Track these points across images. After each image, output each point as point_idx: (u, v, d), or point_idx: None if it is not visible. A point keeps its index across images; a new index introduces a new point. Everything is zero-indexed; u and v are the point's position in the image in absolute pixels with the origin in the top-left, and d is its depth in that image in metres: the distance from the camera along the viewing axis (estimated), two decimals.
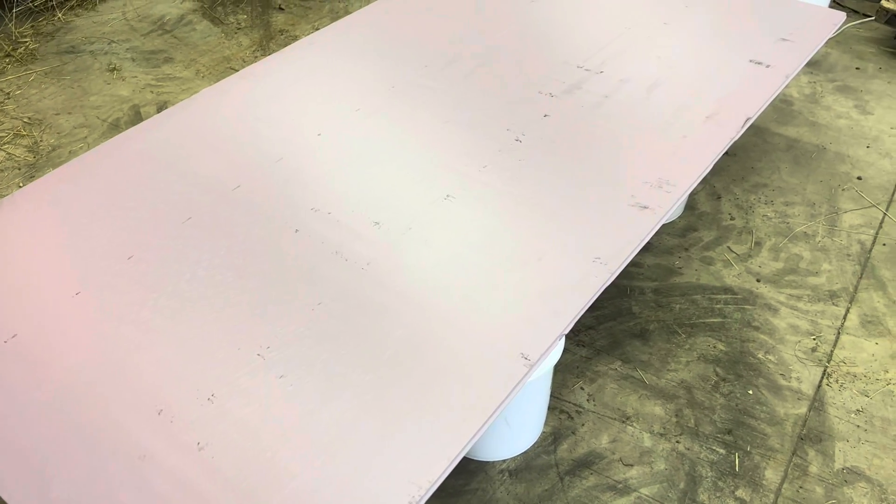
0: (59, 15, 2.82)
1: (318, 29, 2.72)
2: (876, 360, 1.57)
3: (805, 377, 1.54)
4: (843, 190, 1.99)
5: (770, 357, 1.58)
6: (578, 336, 1.61)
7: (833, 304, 1.69)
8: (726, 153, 1.40)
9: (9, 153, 2.18)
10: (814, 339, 1.62)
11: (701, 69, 1.62)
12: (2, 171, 2.12)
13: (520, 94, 1.54)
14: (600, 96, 1.53)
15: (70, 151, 2.18)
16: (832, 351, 1.60)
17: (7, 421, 0.96)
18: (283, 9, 2.89)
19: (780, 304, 1.69)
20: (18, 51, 2.62)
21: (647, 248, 1.21)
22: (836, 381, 1.54)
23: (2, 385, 1.00)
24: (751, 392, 1.52)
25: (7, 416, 0.97)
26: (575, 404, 1.50)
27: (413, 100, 1.54)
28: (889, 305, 1.69)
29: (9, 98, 2.41)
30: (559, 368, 1.56)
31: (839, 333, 1.63)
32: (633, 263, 1.18)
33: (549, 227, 1.24)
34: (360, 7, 2.86)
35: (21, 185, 2.07)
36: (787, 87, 1.58)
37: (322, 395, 0.97)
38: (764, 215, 1.93)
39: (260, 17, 2.84)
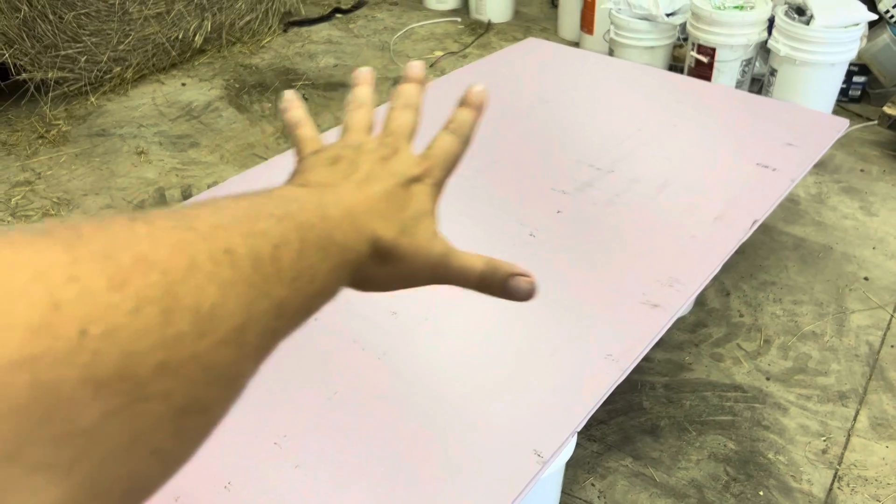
0: (92, 99, 2.95)
1: (339, 119, 2.83)
2: (887, 464, 1.57)
3: (816, 479, 1.53)
4: (851, 290, 2.02)
5: (780, 458, 1.58)
6: (590, 431, 1.61)
7: (843, 405, 1.70)
8: (735, 251, 1.44)
9: None
10: (824, 441, 1.62)
11: (709, 171, 1.68)
12: None
13: (533, 191, 1.60)
14: (611, 195, 1.59)
15: None
16: (843, 453, 1.59)
17: None
18: (306, 98, 3.02)
19: (789, 404, 1.70)
20: (51, 133, 2.73)
21: (657, 343, 1.23)
22: (848, 485, 1.52)
23: None
24: (762, 493, 1.51)
25: None
26: (586, 501, 1.49)
27: None
28: None
29: (39, 178, 2.50)
30: (570, 464, 1.56)
31: (849, 435, 1.63)
32: (644, 358, 1.21)
33: (561, 322, 1.27)
34: (380, 100, 2.99)
35: None
36: (794, 187, 1.64)
37: (337, 485, 0.98)
38: (773, 313, 1.95)
39: None
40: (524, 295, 0.49)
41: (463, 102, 0.55)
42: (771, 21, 2.72)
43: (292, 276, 0.35)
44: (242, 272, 0.31)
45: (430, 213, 0.49)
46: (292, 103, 0.56)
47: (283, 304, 0.34)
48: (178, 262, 0.27)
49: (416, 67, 0.57)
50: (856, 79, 2.91)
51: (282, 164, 1.71)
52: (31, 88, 2.81)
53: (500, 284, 0.49)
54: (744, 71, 2.82)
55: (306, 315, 0.38)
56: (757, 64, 2.90)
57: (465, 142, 0.53)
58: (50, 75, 2.83)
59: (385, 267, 0.45)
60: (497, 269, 0.49)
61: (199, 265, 0.28)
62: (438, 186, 0.51)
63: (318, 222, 0.39)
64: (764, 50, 2.81)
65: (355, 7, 3.88)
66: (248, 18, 3.45)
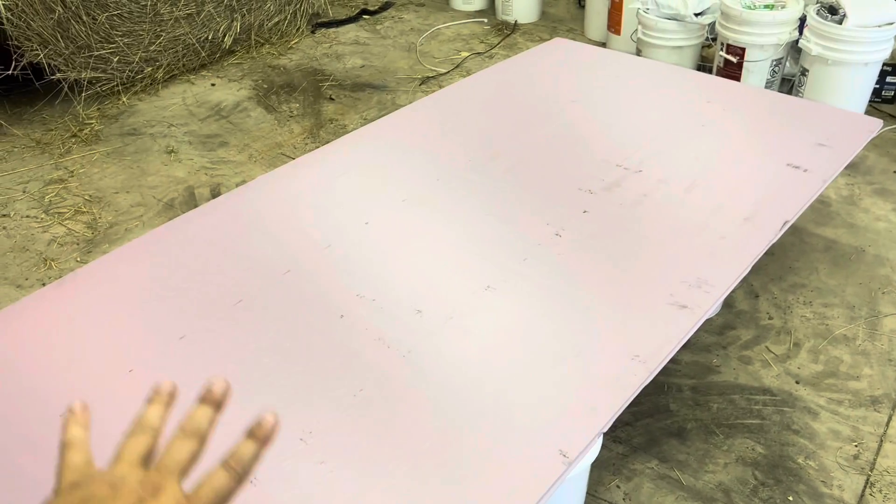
0: (124, 99, 2.99)
1: (366, 119, 2.84)
2: None
3: (847, 485, 1.51)
4: (884, 293, 1.99)
5: (811, 462, 1.56)
6: (615, 432, 1.60)
7: (875, 410, 1.67)
8: (764, 252, 1.42)
9: (69, 228, 2.29)
10: (856, 446, 1.59)
11: (738, 171, 1.66)
12: (62, 245, 2.22)
13: (560, 190, 1.59)
14: (639, 195, 1.57)
15: (126, 229, 2.28)
16: (875, 459, 1.56)
17: None
18: (333, 99, 3.03)
19: (819, 408, 1.67)
20: (84, 132, 2.78)
21: (684, 345, 1.22)
22: (880, 491, 1.50)
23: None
24: (791, 498, 1.49)
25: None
26: (611, 503, 1.48)
27: (456, 192, 1.60)
28: None
29: (72, 176, 2.54)
30: (595, 465, 1.55)
31: (882, 441, 1.60)
32: (670, 360, 1.19)
33: (587, 322, 1.26)
34: (406, 99, 2.99)
35: (79, 259, 2.16)
36: (825, 188, 1.61)
37: (361, 482, 0.99)
38: (802, 316, 1.92)
39: (311, 106, 2.98)
40: None
41: (249, 434, 0.53)
42: (802, 20, 2.68)
43: None
44: None
45: None
46: (73, 417, 0.54)
47: None
48: None
49: (217, 386, 0.55)
50: (889, 79, 2.86)
51: (309, 164, 1.72)
52: (65, 88, 2.86)
53: None
54: (774, 71, 2.78)
55: None
56: (787, 64, 2.86)
57: (241, 479, 0.51)
58: (83, 75, 2.87)
59: None
60: None
61: None
62: None
63: None
64: (795, 50, 2.77)
65: (382, 8, 3.89)
66: (276, 20, 3.48)
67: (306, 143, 2.71)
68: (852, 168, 2.48)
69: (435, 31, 3.64)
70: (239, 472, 0.51)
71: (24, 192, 2.47)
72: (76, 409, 0.55)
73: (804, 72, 2.70)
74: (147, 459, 0.51)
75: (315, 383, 1.14)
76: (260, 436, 0.53)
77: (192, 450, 0.52)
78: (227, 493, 0.51)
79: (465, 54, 3.42)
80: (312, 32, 3.63)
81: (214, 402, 0.55)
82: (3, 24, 2.57)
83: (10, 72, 2.68)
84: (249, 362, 1.18)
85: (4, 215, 2.36)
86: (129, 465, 0.50)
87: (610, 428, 1.09)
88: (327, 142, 1.84)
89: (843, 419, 1.65)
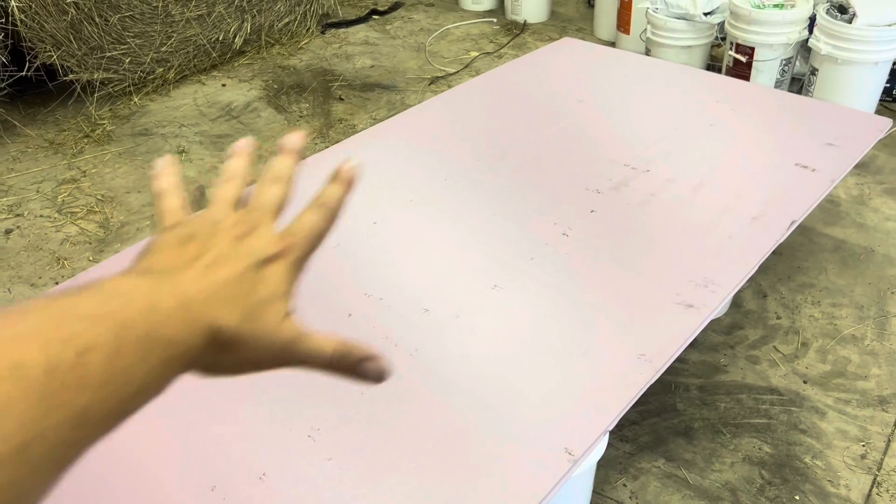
0: (136, 99, 3.02)
1: (375, 119, 2.86)
2: None
3: (854, 485, 1.51)
4: (893, 293, 1.98)
5: (818, 462, 1.56)
6: (622, 431, 1.61)
7: (883, 410, 1.66)
8: (772, 252, 1.42)
9: (82, 228, 2.31)
10: (863, 446, 1.59)
11: (746, 171, 1.66)
12: (75, 244, 2.25)
13: (567, 190, 1.60)
14: (647, 194, 1.58)
15: (137, 228, 2.30)
16: (882, 459, 1.56)
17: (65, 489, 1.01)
18: (342, 99, 3.05)
19: (827, 408, 1.67)
20: (96, 132, 2.80)
21: (692, 345, 1.23)
22: (887, 491, 1.50)
23: None
24: (797, 498, 1.49)
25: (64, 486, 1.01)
26: (618, 501, 1.49)
27: (464, 192, 1.61)
28: None
29: (85, 176, 2.57)
30: (602, 464, 1.55)
31: (889, 441, 1.60)
32: (677, 359, 1.20)
33: (594, 321, 1.27)
34: (415, 99, 3.00)
35: (91, 258, 2.18)
36: (834, 188, 1.61)
37: (368, 480, 1.00)
38: (811, 316, 1.92)
39: (321, 106, 3.00)
40: (374, 379, 0.49)
41: (333, 177, 0.54)
42: (812, 19, 2.68)
43: (101, 380, 0.33)
44: (32, 385, 0.30)
45: (281, 295, 0.47)
46: (163, 170, 0.54)
47: (87, 410, 0.33)
48: None
49: (292, 139, 0.55)
50: None
51: (317, 164, 1.73)
52: (78, 89, 2.89)
53: (350, 368, 0.49)
54: (783, 70, 2.77)
55: (121, 417, 0.36)
56: (797, 63, 2.85)
57: (331, 218, 0.52)
58: (96, 76, 2.90)
59: (226, 354, 0.44)
60: (347, 355, 0.48)
61: None
62: (298, 265, 0.49)
63: (141, 319, 0.37)
64: (804, 49, 2.77)
65: (392, 8, 3.91)
66: (286, 20, 3.50)
67: (316, 144, 2.73)
68: (862, 168, 2.48)
69: (444, 31, 3.65)
70: (329, 211, 0.51)
71: (37, 191, 2.50)
72: (160, 164, 0.55)
73: (814, 71, 2.69)
74: (238, 203, 0.51)
75: (322, 381, 1.15)
76: (343, 178, 0.53)
77: (281, 192, 0.52)
78: (319, 232, 0.51)
79: (474, 54, 3.43)
80: (322, 33, 3.64)
81: (293, 152, 0.55)
82: (17, 25, 2.60)
83: (24, 73, 2.71)
84: None
85: (18, 215, 2.39)
86: (223, 206, 0.50)
87: (617, 427, 1.09)
88: (337, 142, 1.86)
89: (851, 419, 1.65)
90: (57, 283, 2.02)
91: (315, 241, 0.50)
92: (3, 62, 2.63)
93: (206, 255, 0.44)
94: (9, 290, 2.08)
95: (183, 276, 0.42)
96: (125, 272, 0.43)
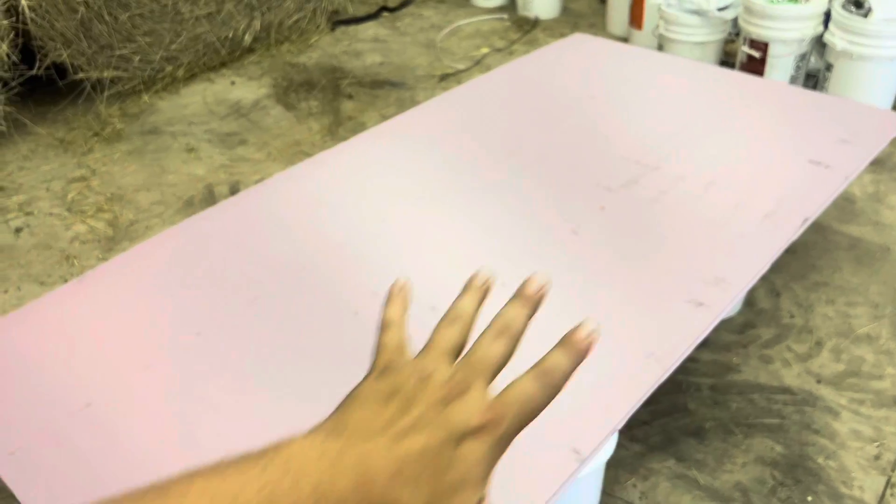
0: (146, 97, 3.02)
1: (384, 116, 2.85)
2: None
3: (868, 486, 1.48)
4: None
5: (830, 462, 1.53)
6: (632, 431, 1.59)
7: None
8: (786, 250, 1.40)
9: (91, 226, 2.32)
10: (877, 446, 1.56)
11: (759, 168, 1.64)
12: (84, 242, 2.25)
13: (577, 187, 1.58)
14: (657, 191, 1.56)
15: (146, 227, 2.31)
16: None
17: (81, 488, 1.00)
18: (351, 96, 3.04)
19: (841, 408, 1.65)
20: (106, 130, 2.81)
21: (704, 344, 1.21)
22: None
23: (78, 453, 1.05)
24: (810, 499, 1.47)
25: (81, 484, 1.01)
26: (627, 502, 1.47)
27: (473, 189, 1.60)
28: None
29: (94, 174, 2.57)
30: (612, 464, 1.54)
31: None
32: (689, 359, 1.18)
33: (602, 319, 1.24)
34: (425, 96, 2.99)
35: (100, 256, 2.18)
36: (849, 185, 1.59)
37: None
38: (825, 314, 1.89)
39: (330, 103, 2.99)
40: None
41: (561, 343, 0.46)
42: (827, 14, 2.64)
43: None
44: None
45: (475, 481, 0.42)
46: (396, 296, 0.50)
47: None
48: None
49: (532, 285, 0.49)
50: None
51: (326, 161, 1.72)
52: (88, 88, 2.90)
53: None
54: (798, 66, 2.74)
55: None
56: (812, 59, 2.82)
57: (552, 394, 0.45)
58: (105, 74, 2.91)
59: None
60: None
61: None
62: (502, 444, 0.44)
63: (312, 500, 0.36)
64: (819, 44, 2.73)
65: (402, 5, 3.90)
66: (296, 17, 3.50)
67: (325, 141, 2.72)
68: (878, 165, 2.44)
69: (455, 27, 3.64)
70: (551, 386, 0.45)
71: (47, 190, 2.50)
72: (396, 289, 0.51)
73: (829, 67, 2.66)
74: (457, 351, 0.47)
75: (330, 379, 1.14)
76: (574, 348, 0.45)
77: (503, 350, 0.47)
78: (535, 406, 0.44)
79: (484, 50, 3.41)
80: (332, 30, 3.64)
81: (530, 300, 0.48)
82: (27, 24, 2.61)
83: (34, 72, 2.72)
84: (265, 358, 1.19)
85: (28, 213, 2.39)
86: (440, 355, 0.46)
87: (627, 426, 1.08)
88: (346, 139, 1.85)
89: (865, 419, 1.62)
90: (66, 281, 2.02)
91: (528, 417, 0.44)
92: (14, 61, 2.64)
93: (404, 419, 0.41)
94: (18, 287, 2.08)
95: (372, 445, 0.40)
96: (318, 428, 0.42)
